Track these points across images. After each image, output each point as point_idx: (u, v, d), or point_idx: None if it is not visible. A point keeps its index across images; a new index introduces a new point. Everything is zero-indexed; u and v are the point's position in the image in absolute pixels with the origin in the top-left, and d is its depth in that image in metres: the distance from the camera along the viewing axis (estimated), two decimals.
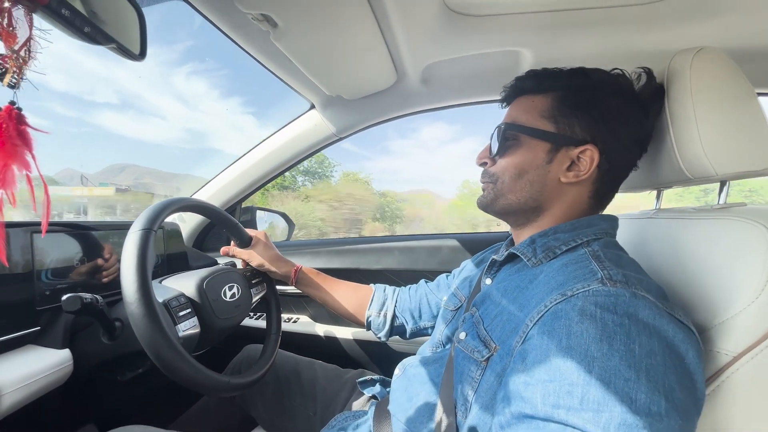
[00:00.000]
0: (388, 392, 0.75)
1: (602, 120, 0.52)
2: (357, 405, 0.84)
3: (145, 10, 0.56)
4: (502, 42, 0.83)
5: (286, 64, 0.84)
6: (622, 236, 0.67)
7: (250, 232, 0.91)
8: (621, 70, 0.54)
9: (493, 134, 0.58)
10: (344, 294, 0.92)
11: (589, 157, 0.52)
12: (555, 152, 0.53)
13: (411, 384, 0.66)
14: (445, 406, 0.54)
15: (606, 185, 0.55)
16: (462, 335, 0.55)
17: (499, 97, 0.62)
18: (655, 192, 0.70)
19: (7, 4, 0.40)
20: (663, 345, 0.36)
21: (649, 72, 0.55)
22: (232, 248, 0.91)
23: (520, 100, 0.58)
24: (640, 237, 0.65)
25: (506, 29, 0.79)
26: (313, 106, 1.12)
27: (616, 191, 0.58)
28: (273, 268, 0.91)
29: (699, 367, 0.37)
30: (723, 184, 0.55)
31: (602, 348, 0.36)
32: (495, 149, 0.57)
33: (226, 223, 0.86)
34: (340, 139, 1.20)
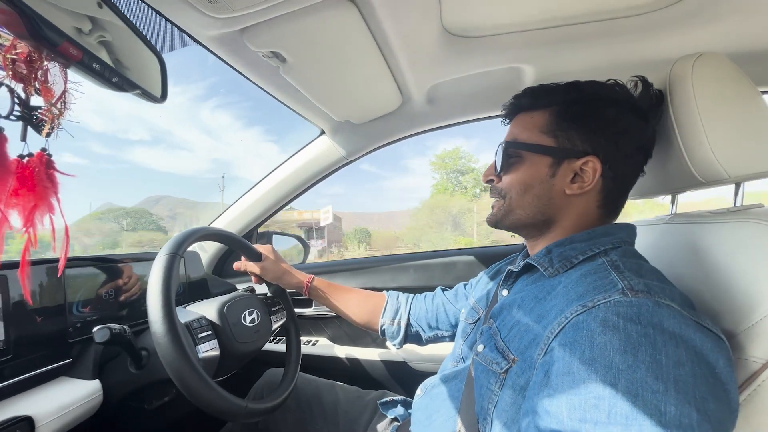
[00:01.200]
0: (410, 414, 0.74)
1: (600, 131, 0.53)
2: (380, 427, 0.83)
3: (167, 55, 0.61)
4: (503, 60, 0.85)
5: (296, 94, 0.88)
6: (638, 244, 0.67)
7: (258, 248, 0.93)
8: (615, 80, 0.55)
9: (497, 152, 0.60)
10: (356, 302, 0.93)
11: (591, 168, 0.52)
12: (557, 166, 0.54)
13: (432, 402, 0.65)
14: (466, 422, 0.53)
15: (613, 194, 0.56)
16: (480, 347, 0.55)
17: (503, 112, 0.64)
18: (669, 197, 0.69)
19: (45, 62, 0.44)
20: (691, 354, 0.35)
21: (644, 80, 0.56)
22: (244, 262, 0.93)
23: (519, 117, 0.59)
24: (657, 244, 0.64)
25: (506, 48, 0.81)
26: (323, 132, 1.16)
27: (626, 198, 0.58)
28: (285, 279, 0.93)
29: (731, 375, 0.36)
30: (738, 185, 0.55)
31: (627, 360, 0.35)
32: (499, 166, 0.59)
33: (237, 245, 0.89)
34: (351, 161, 1.23)
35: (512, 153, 0.57)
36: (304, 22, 0.62)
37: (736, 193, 0.55)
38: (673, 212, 0.68)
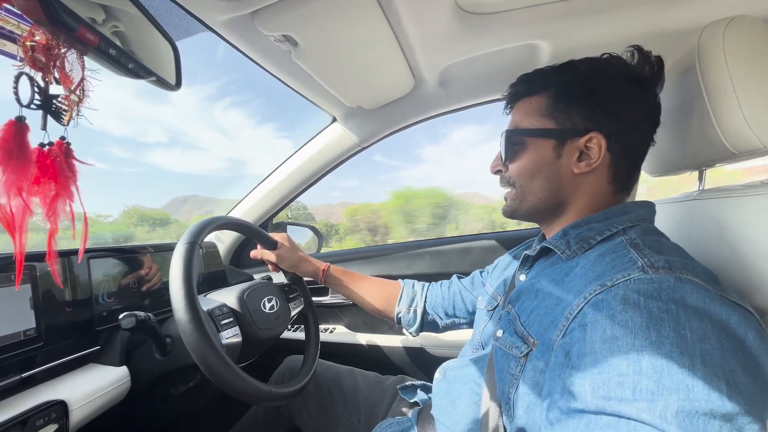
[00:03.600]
0: (430, 397, 0.74)
1: (599, 106, 0.52)
2: (399, 411, 0.84)
3: (180, 43, 0.61)
4: (518, 37, 0.82)
5: (307, 79, 0.87)
6: (664, 222, 0.64)
7: (273, 236, 0.94)
8: (610, 53, 0.55)
9: (501, 141, 0.60)
10: (372, 290, 0.93)
11: (596, 145, 0.52)
12: (561, 147, 0.54)
13: (452, 386, 0.65)
14: (489, 406, 0.53)
15: (622, 167, 0.54)
16: (499, 333, 0.55)
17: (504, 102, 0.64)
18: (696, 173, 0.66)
19: (63, 50, 0.44)
20: (717, 328, 0.34)
21: (639, 48, 0.54)
22: (260, 250, 0.94)
23: (518, 104, 0.59)
24: (684, 222, 0.61)
25: (522, 24, 0.79)
26: (335, 119, 1.15)
27: (638, 172, 0.57)
28: (301, 267, 0.94)
29: (763, 349, 0.35)
30: None
31: (650, 336, 0.34)
32: (504, 155, 0.59)
33: (253, 233, 0.90)
34: (363, 148, 1.22)
35: (515, 140, 0.57)
36: (316, 4, 0.61)
37: None
38: (701, 188, 0.66)
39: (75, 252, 0.76)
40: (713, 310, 0.35)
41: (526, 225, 1.36)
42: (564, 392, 0.38)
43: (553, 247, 0.54)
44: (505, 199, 0.62)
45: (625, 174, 0.55)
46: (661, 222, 0.63)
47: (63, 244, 0.74)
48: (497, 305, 0.68)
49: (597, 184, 0.55)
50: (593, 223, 0.52)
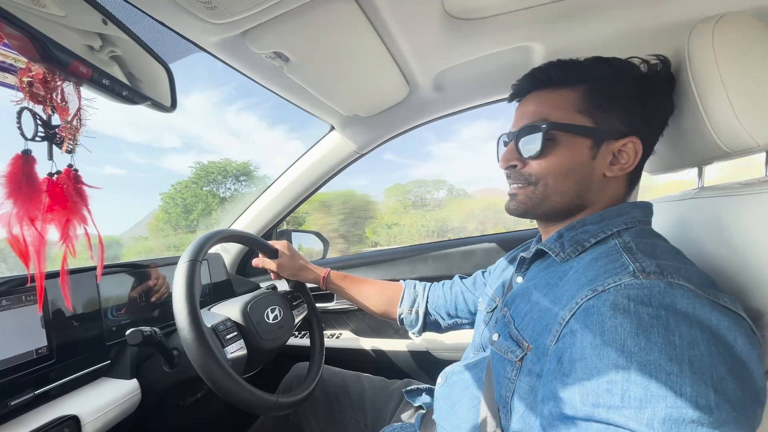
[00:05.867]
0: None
1: (637, 110, 0.51)
2: (405, 416, 0.84)
3: (177, 63, 0.63)
4: (510, 40, 0.82)
5: (302, 92, 0.89)
6: (663, 221, 0.64)
7: (274, 244, 0.95)
8: (638, 57, 0.53)
9: (518, 134, 0.54)
10: (373, 292, 0.94)
11: (632, 150, 0.51)
12: (597, 147, 0.51)
13: (453, 391, 0.65)
14: (488, 410, 0.53)
15: (638, 172, 0.55)
16: (495, 336, 0.55)
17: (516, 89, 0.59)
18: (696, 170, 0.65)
19: (59, 82, 0.46)
20: (706, 334, 0.34)
21: (664, 59, 0.54)
22: (262, 259, 0.95)
23: (542, 94, 0.54)
24: (683, 220, 0.61)
25: (513, 27, 0.78)
26: (333, 128, 1.16)
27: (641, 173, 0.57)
28: (302, 275, 0.95)
29: (752, 354, 0.35)
30: None
31: (639, 342, 0.34)
32: (531, 151, 0.53)
33: (253, 243, 0.92)
34: (362, 155, 1.23)
35: (548, 135, 0.51)
36: (303, 20, 0.62)
37: (767, 163, 0.52)
38: (700, 186, 0.65)
39: (85, 270, 0.78)
40: (703, 316, 0.35)
41: (525, 226, 1.36)
42: (556, 398, 0.38)
43: (547, 250, 0.54)
44: (514, 195, 0.57)
45: (637, 177, 0.55)
46: (660, 220, 0.62)
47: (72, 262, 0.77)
48: (496, 306, 0.68)
49: (618, 187, 0.54)
50: (588, 225, 0.52)
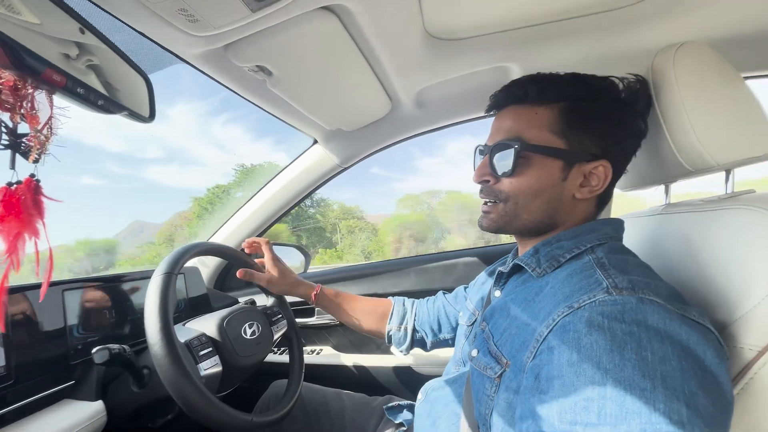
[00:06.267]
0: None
1: (612, 133, 0.51)
2: None
3: (158, 74, 0.62)
4: (488, 60, 0.85)
5: (285, 106, 0.89)
6: (633, 237, 0.66)
7: (260, 260, 0.91)
8: (615, 76, 0.54)
9: (492, 150, 0.54)
10: (364, 310, 0.91)
11: (602, 173, 0.51)
12: (569, 169, 0.51)
13: (433, 408, 0.65)
14: (468, 427, 0.53)
15: (609, 192, 0.56)
16: (474, 352, 0.55)
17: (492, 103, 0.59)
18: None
19: (30, 90, 0.45)
20: (677, 349, 0.35)
21: (642, 79, 0.55)
22: (250, 271, 0.86)
23: (518, 109, 0.54)
24: (652, 235, 0.63)
25: (491, 48, 0.82)
26: (316, 141, 1.16)
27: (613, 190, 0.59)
28: (294, 291, 0.90)
29: (721, 367, 0.36)
30: (728, 173, 0.55)
31: (614, 359, 0.35)
32: (504, 168, 0.53)
33: (234, 258, 0.89)
34: (345, 169, 1.24)
35: (521, 154, 0.51)
36: (286, 35, 0.63)
37: (726, 180, 0.55)
38: (667, 202, 0.68)
39: (50, 285, 0.75)
40: (673, 330, 0.36)
41: (506, 240, 1.38)
42: (534, 416, 0.38)
43: (524, 265, 0.55)
44: (487, 213, 0.57)
45: (608, 198, 0.56)
46: (631, 235, 0.65)
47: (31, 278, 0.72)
48: (475, 320, 0.68)
49: (588, 208, 0.55)
50: (563, 240, 0.53)
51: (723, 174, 0.55)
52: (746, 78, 0.85)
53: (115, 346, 0.66)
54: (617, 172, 0.53)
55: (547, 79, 0.53)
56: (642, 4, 0.71)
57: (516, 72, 0.89)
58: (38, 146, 0.45)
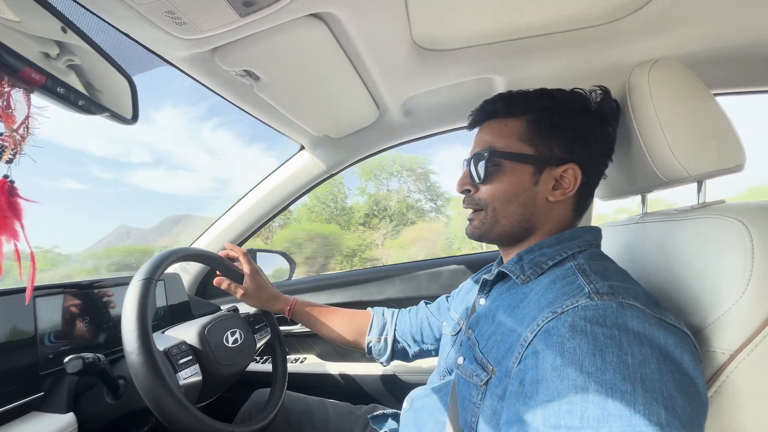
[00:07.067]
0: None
1: (577, 139, 0.55)
2: None
3: (143, 75, 0.61)
4: (474, 71, 0.87)
5: (272, 111, 0.89)
6: (612, 245, 0.68)
7: (245, 266, 0.88)
8: (581, 89, 0.57)
9: (470, 160, 0.59)
10: (341, 322, 0.90)
11: (572, 176, 0.54)
12: (539, 173, 0.55)
13: (419, 416, 0.64)
14: None
15: (585, 197, 0.58)
16: (460, 360, 0.55)
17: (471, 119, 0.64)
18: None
19: (7, 88, 0.43)
20: (656, 352, 0.36)
21: (604, 89, 0.58)
22: (225, 281, 0.85)
23: (491, 124, 0.59)
24: (629, 243, 0.65)
25: (476, 60, 0.84)
26: (303, 147, 1.16)
27: (592, 200, 0.61)
28: (269, 305, 0.90)
29: (697, 370, 0.37)
30: (700, 183, 0.57)
31: (596, 362, 0.36)
32: (479, 176, 0.57)
33: (217, 264, 0.87)
34: (332, 175, 1.23)
35: (493, 162, 0.56)
36: (275, 40, 0.63)
37: (698, 191, 0.57)
38: (644, 212, 0.70)
39: (17, 291, 0.71)
40: (652, 334, 0.37)
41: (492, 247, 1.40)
42: (519, 421, 0.39)
43: (508, 272, 0.56)
44: (470, 220, 0.61)
45: (584, 203, 0.59)
46: (608, 244, 0.66)
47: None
48: (460, 329, 0.69)
49: (564, 212, 0.57)
50: (545, 248, 0.55)
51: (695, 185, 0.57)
52: (715, 95, 0.90)
53: (89, 355, 0.63)
54: (590, 176, 0.56)
55: (515, 96, 0.58)
56: (618, 22, 0.74)
57: (500, 83, 0.91)
58: (13, 146, 0.43)
